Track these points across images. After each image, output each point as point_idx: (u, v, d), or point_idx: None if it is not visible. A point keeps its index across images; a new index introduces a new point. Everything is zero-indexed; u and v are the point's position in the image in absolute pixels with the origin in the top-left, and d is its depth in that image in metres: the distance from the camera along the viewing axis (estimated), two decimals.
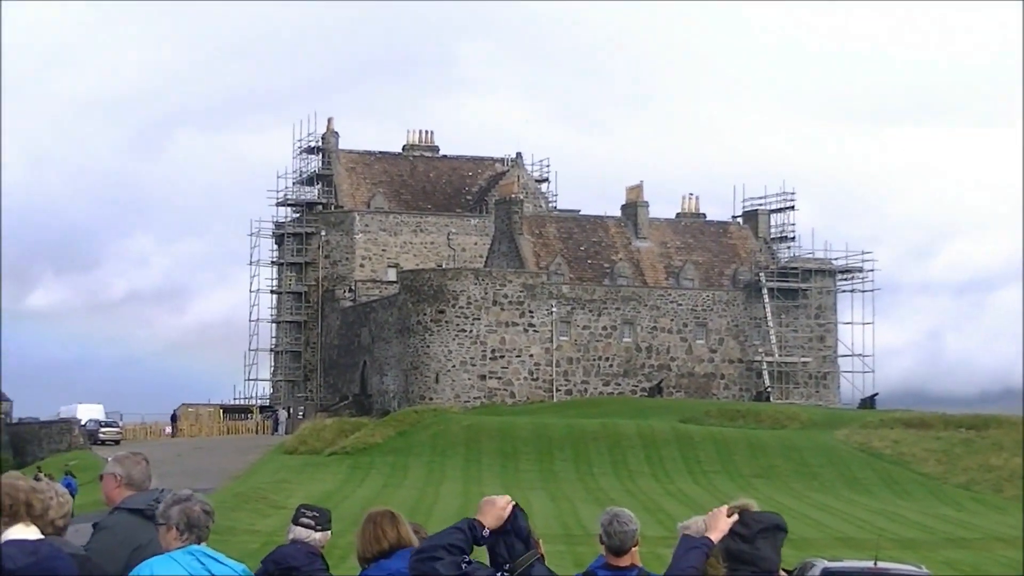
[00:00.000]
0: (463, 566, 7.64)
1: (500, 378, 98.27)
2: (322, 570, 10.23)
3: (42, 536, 8.05)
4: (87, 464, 79.33)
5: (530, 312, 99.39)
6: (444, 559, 7.60)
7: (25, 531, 8.00)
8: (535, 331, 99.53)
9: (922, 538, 51.06)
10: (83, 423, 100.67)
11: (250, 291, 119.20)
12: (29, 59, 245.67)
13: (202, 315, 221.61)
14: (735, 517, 8.25)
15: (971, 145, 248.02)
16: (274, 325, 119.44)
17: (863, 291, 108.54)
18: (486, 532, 7.81)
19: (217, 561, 8.18)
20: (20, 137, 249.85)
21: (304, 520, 10.48)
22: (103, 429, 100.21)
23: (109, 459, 10.62)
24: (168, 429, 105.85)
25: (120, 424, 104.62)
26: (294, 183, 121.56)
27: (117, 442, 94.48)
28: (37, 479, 9.30)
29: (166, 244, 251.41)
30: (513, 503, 8.05)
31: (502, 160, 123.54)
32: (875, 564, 23.51)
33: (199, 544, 8.27)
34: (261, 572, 10.23)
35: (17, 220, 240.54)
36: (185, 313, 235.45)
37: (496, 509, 7.88)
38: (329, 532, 10.50)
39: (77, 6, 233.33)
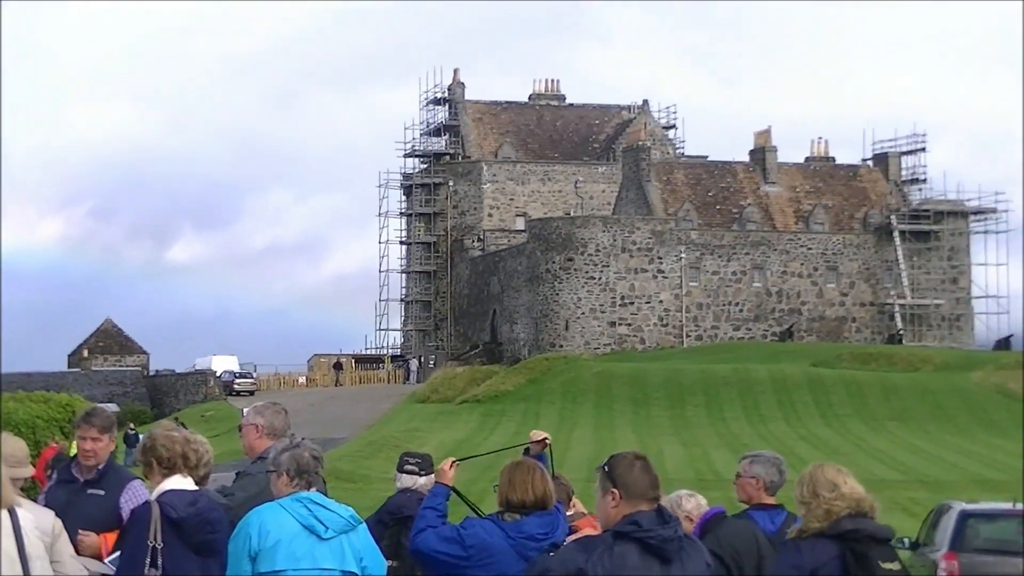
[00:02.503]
0: None
1: (630, 324, 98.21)
2: None
3: (197, 487, 8.28)
4: (222, 415, 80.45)
5: (659, 258, 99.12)
6: None
7: (183, 482, 8.23)
8: (664, 277, 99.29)
9: None
10: (218, 374, 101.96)
11: (379, 242, 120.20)
12: (167, 21, 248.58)
13: (337, 267, 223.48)
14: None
15: None
16: (404, 275, 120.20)
17: (997, 232, 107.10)
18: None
19: (324, 507, 8.32)
20: (159, 97, 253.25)
21: (408, 467, 10.64)
22: (238, 380, 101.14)
23: (247, 410, 10.76)
24: (302, 379, 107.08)
25: (255, 375, 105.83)
26: (421, 134, 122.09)
27: (252, 393, 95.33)
28: None
29: (301, 198, 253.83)
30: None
31: (629, 107, 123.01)
32: (1013, 506, 23.23)
33: (309, 489, 8.41)
34: (376, 522, 10.36)
35: (156, 177, 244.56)
36: (321, 266, 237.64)
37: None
38: (433, 475, 10.63)
39: None
